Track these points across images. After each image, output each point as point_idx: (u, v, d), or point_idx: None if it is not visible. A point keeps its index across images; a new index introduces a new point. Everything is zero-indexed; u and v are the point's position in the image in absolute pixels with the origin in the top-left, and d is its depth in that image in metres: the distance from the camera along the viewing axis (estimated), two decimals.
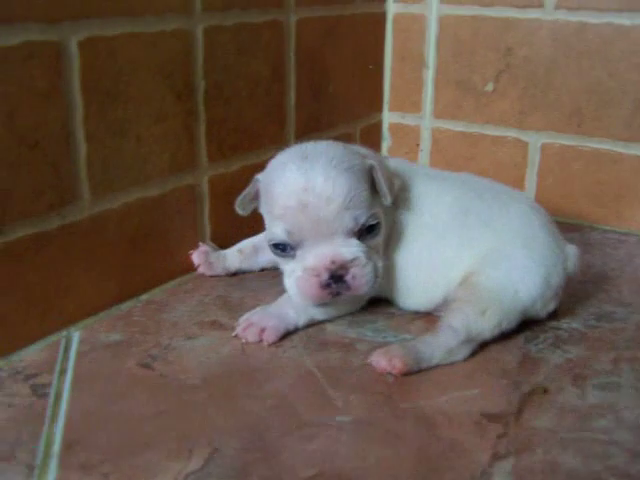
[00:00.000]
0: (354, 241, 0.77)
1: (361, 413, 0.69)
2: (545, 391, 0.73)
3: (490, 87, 1.18)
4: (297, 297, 0.79)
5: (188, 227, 0.94)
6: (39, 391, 0.71)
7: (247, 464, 0.62)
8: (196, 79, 0.90)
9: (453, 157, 1.24)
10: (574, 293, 0.93)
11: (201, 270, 0.95)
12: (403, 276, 0.85)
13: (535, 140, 1.16)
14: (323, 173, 0.76)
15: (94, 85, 0.78)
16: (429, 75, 1.22)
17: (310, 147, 0.80)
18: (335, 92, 1.14)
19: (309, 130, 1.10)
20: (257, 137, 1.01)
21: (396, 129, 1.29)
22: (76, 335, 0.81)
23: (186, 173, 0.91)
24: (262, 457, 0.63)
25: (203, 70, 0.90)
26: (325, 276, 0.76)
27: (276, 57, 1.01)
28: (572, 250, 0.85)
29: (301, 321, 0.83)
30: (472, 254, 0.81)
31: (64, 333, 0.80)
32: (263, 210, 0.82)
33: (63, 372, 0.74)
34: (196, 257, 0.94)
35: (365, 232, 0.78)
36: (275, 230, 0.78)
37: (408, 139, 1.27)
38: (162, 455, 0.63)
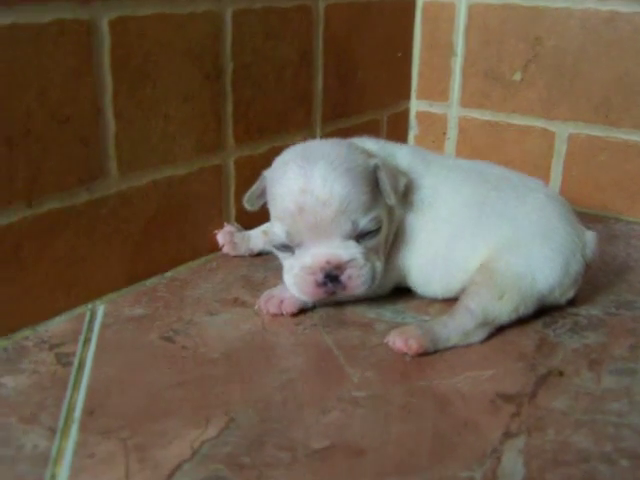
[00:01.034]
0: (352, 243, 0.77)
1: (377, 389, 0.70)
2: (561, 374, 0.74)
3: (518, 76, 1.18)
4: (295, 293, 0.80)
5: (214, 207, 0.96)
6: (63, 360, 0.73)
7: (262, 434, 0.63)
8: (224, 61, 0.91)
9: (479, 146, 1.24)
10: (595, 282, 0.93)
11: (225, 250, 0.96)
12: (420, 269, 0.85)
13: (562, 130, 1.16)
14: (322, 175, 0.76)
15: (124, 64, 0.80)
16: (457, 63, 1.23)
17: (313, 147, 0.81)
18: (363, 79, 1.15)
19: (336, 116, 1.11)
20: (284, 120, 1.02)
21: (423, 117, 1.29)
22: (101, 308, 0.83)
23: (213, 154, 0.93)
24: (277, 428, 0.64)
25: (231, 52, 0.92)
26: (320, 275, 0.77)
27: (304, 42, 1.02)
28: (590, 236, 0.84)
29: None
30: (488, 245, 0.82)
31: (89, 306, 0.82)
32: (269, 206, 0.83)
33: (87, 342, 0.76)
34: (221, 237, 0.96)
35: (365, 234, 0.78)
36: (275, 230, 0.79)
37: (435, 128, 1.28)
38: (180, 423, 0.64)
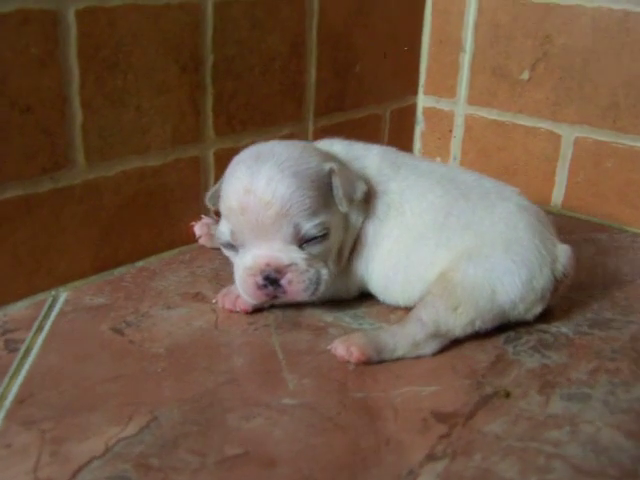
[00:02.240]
0: (294, 247, 0.76)
1: (309, 398, 0.69)
2: (507, 395, 0.71)
3: (526, 75, 1.13)
4: (241, 293, 0.79)
5: (192, 198, 0.96)
6: (11, 346, 0.74)
7: (179, 436, 0.63)
8: (204, 52, 0.91)
9: (485, 146, 1.20)
10: (576, 297, 0.89)
11: (202, 242, 0.96)
12: (382, 276, 0.83)
13: (569, 133, 1.11)
14: (267, 176, 0.74)
15: (92, 54, 0.80)
16: (465, 60, 1.18)
17: (268, 147, 0.79)
18: (363, 72, 1.12)
19: (331, 109, 1.09)
20: (271, 113, 1.01)
21: (430, 113, 1.26)
22: (63, 295, 0.84)
23: (191, 145, 0.93)
24: (196, 431, 0.64)
25: (212, 44, 0.91)
26: (260, 277, 0.76)
27: (295, 34, 1.00)
28: (563, 250, 0.81)
29: None
30: (449, 256, 0.79)
31: (52, 293, 0.84)
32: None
33: (40, 330, 0.77)
34: (198, 228, 0.96)
35: (309, 240, 0.76)
36: (221, 228, 0.78)
37: (441, 125, 1.24)
38: (103, 418, 0.65)
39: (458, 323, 0.76)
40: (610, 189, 1.09)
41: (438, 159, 1.25)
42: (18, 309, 0.81)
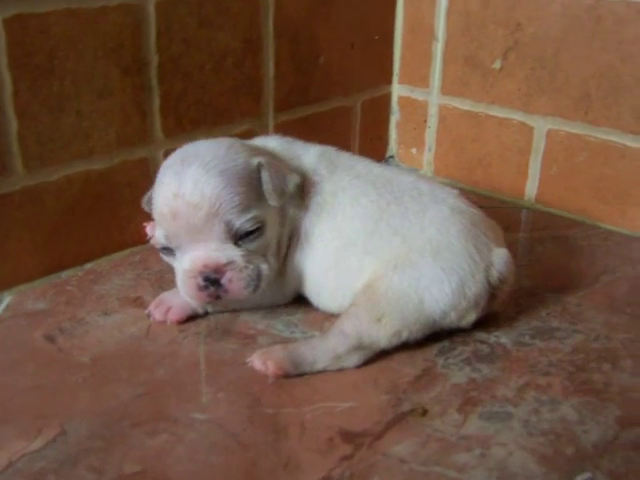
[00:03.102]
0: (230, 245, 0.75)
1: (220, 413, 0.69)
2: (424, 413, 0.69)
3: (498, 65, 1.08)
4: (184, 296, 0.79)
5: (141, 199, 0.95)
6: None
7: (82, 451, 0.64)
8: (148, 54, 0.90)
9: (458, 137, 1.16)
10: (527, 302, 0.87)
11: (153, 242, 0.96)
12: (312, 279, 0.82)
13: (541, 125, 1.06)
14: (193, 179, 0.74)
15: (24, 61, 0.80)
16: (438, 48, 1.14)
17: (192, 149, 0.78)
18: (328, 64, 1.10)
19: (293, 104, 1.07)
20: (226, 111, 0.99)
21: (405, 103, 1.22)
22: (6, 300, 0.85)
23: (138, 147, 0.93)
24: (99, 447, 0.64)
25: (156, 44, 0.90)
26: (200, 279, 0.75)
27: (249, 29, 0.98)
28: (500, 255, 0.78)
29: (210, 305, 0.83)
30: (377, 264, 0.77)
31: None
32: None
33: None
34: (149, 229, 0.95)
35: (244, 235, 0.75)
36: (157, 234, 0.78)
37: (416, 115, 1.20)
38: (13, 431, 0.66)
39: (382, 334, 0.74)
40: (583, 184, 1.05)
41: (414, 150, 1.22)
42: None
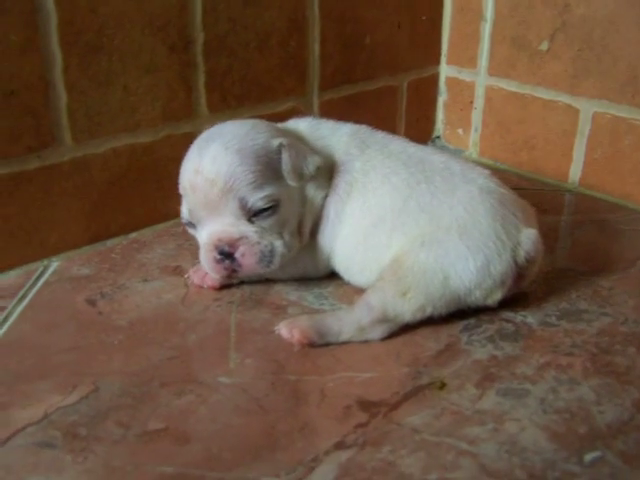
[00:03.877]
0: (244, 221, 0.78)
1: (245, 378, 0.72)
2: (441, 387, 0.71)
3: (545, 46, 1.07)
4: (205, 269, 0.82)
5: None
6: None
7: (112, 407, 0.67)
8: (194, 32, 0.93)
9: (504, 119, 1.16)
10: (557, 284, 0.87)
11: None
12: (344, 255, 0.84)
13: (587, 108, 1.05)
14: (212, 155, 0.77)
15: (74, 39, 0.84)
16: (486, 29, 1.14)
17: (219, 128, 0.82)
18: (374, 44, 1.11)
19: (338, 82, 1.09)
20: (270, 88, 1.02)
21: (452, 84, 1.22)
22: (54, 265, 0.90)
23: (183, 122, 0.96)
24: (128, 404, 0.68)
25: (202, 23, 0.93)
26: (215, 252, 0.79)
27: (295, 9, 1.00)
28: (528, 236, 0.78)
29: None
30: (404, 240, 0.78)
31: (44, 262, 0.90)
32: None
33: (23, 298, 0.84)
34: None
35: (259, 212, 0.78)
36: (182, 208, 0.82)
37: (463, 96, 1.20)
38: (49, 386, 0.70)
39: (407, 308, 0.76)
40: (627, 168, 1.03)
41: (460, 131, 1.22)
42: (9, 277, 0.88)
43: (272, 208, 0.78)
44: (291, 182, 0.80)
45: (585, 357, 0.75)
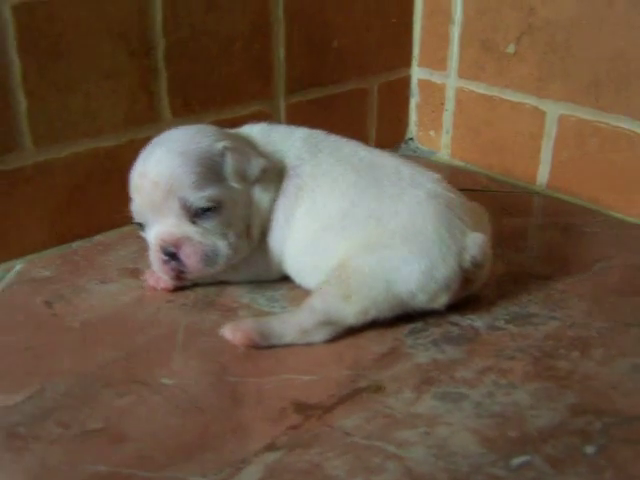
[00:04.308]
0: (186, 222, 0.80)
1: (187, 379, 0.73)
2: (378, 390, 0.71)
3: (512, 49, 1.07)
4: (155, 270, 0.84)
5: None
6: None
7: (54, 407, 0.69)
8: (155, 37, 0.94)
9: (474, 121, 1.16)
10: (511, 287, 0.87)
11: None
12: (294, 258, 0.85)
13: (553, 110, 1.05)
14: (156, 158, 0.80)
15: (33, 46, 0.86)
16: (455, 32, 1.14)
17: (167, 134, 0.84)
18: (342, 47, 1.11)
19: (306, 85, 1.10)
20: (235, 92, 1.03)
21: (424, 86, 1.22)
22: (17, 268, 0.92)
23: (146, 127, 0.97)
24: (70, 404, 0.70)
25: (163, 29, 0.94)
26: (161, 253, 0.81)
27: (258, 13, 1.01)
28: (476, 240, 0.78)
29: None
30: (351, 244, 0.79)
31: (7, 265, 0.92)
32: None
33: None
34: None
35: (200, 213, 0.80)
36: (131, 209, 0.83)
37: (435, 98, 1.20)
38: None
39: (350, 311, 0.77)
40: (593, 171, 1.03)
41: (432, 133, 1.22)
42: None
43: (214, 209, 0.80)
44: (234, 184, 0.82)
45: (527, 361, 0.75)
